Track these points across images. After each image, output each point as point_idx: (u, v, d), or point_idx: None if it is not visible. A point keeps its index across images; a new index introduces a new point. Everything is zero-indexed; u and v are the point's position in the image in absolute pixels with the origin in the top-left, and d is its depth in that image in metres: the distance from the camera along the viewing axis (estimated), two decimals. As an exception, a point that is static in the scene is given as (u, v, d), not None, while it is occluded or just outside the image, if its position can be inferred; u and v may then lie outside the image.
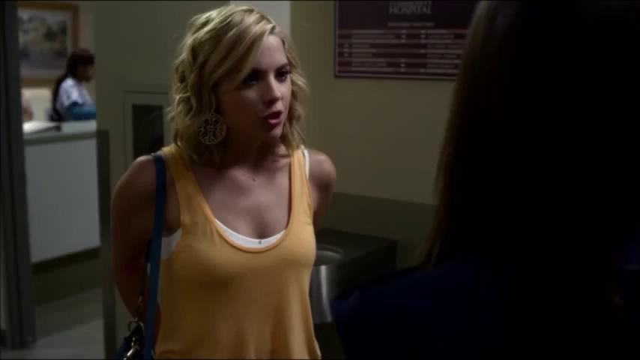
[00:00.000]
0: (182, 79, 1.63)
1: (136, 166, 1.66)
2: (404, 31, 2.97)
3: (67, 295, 5.16)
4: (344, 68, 3.14)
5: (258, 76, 1.56)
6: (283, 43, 1.60)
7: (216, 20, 1.58)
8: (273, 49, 1.57)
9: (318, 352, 1.79)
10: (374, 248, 3.01)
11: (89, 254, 4.93)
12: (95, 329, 3.98)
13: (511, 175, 0.74)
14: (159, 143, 3.11)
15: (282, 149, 1.74)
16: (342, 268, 2.79)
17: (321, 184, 1.79)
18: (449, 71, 2.85)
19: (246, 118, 1.58)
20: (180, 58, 1.64)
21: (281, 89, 1.57)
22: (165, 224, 1.63)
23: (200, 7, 2.95)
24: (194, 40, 1.60)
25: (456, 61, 2.84)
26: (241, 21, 1.55)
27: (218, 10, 1.62)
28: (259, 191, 1.69)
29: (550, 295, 0.70)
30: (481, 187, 0.76)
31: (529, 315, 0.71)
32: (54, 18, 8.59)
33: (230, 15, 1.57)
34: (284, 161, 1.74)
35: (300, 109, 1.68)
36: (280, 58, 1.58)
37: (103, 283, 3.53)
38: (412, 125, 3.02)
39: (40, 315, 4.69)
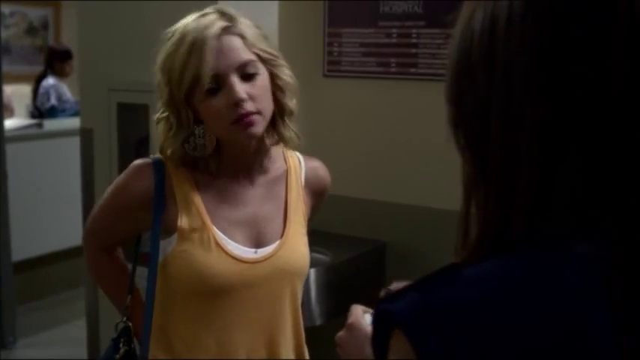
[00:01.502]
0: (160, 98, 1.61)
1: (135, 169, 1.65)
2: (395, 30, 2.95)
3: (49, 294, 5.11)
4: (333, 67, 3.11)
5: (219, 81, 1.53)
6: (244, 40, 1.55)
7: (176, 33, 1.56)
8: (229, 49, 1.53)
9: (306, 353, 1.78)
10: (363, 250, 2.99)
11: (71, 253, 4.88)
12: (78, 329, 3.94)
13: (606, 166, 0.74)
14: (144, 142, 3.08)
15: (278, 155, 1.71)
16: (331, 270, 2.77)
17: (316, 192, 1.77)
18: (440, 71, 2.83)
19: (220, 127, 1.56)
20: (156, 78, 1.62)
21: (249, 89, 1.53)
22: (163, 226, 1.61)
23: (185, 4, 2.93)
24: (162, 57, 1.59)
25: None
26: (192, 30, 1.52)
27: (184, 20, 1.60)
28: (256, 201, 1.66)
29: None
30: (561, 179, 0.75)
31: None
32: (35, 13, 8.52)
33: (184, 27, 1.55)
34: (280, 169, 1.71)
35: (290, 104, 1.63)
36: (239, 57, 1.53)
37: (86, 283, 3.49)
38: (402, 126, 3.00)
39: (21, 315, 4.64)
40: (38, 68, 7.03)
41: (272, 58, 1.59)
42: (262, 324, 1.64)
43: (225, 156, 1.63)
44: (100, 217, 1.72)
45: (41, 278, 5.11)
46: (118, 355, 1.73)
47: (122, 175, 1.67)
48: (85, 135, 3.36)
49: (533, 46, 0.74)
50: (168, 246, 1.60)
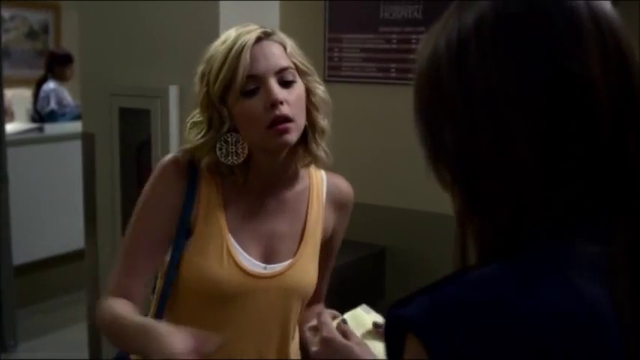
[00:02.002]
0: (199, 106, 1.61)
1: (170, 162, 1.63)
2: (394, 36, 2.97)
3: (50, 298, 5.11)
4: (334, 73, 3.13)
5: (257, 82, 1.53)
6: (284, 48, 1.57)
7: (216, 42, 1.58)
8: (269, 53, 1.54)
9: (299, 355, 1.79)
10: (363, 254, 3.01)
11: (72, 257, 4.89)
12: (79, 333, 3.94)
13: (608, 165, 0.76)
14: (146, 146, 3.09)
15: (303, 172, 1.70)
16: (331, 274, 2.77)
17: (339, 204, 1.74)
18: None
19: (255, 130, 1.55)
20: (195, 88, 1.63)
21: (286, 95, 1.53)
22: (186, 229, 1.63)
23: (187, 9, 2.95)
24: (202, 66, 1.60)
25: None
26: (234, 35, 1.55)
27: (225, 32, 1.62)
28: (275, 217, 1.66)
29: None
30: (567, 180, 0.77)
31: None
32: (36, 17, 8.52)
33: (226, 34, 1.58)
34: (304, 185, 1.70)
35: (323, 123, 1.62)
36: (278, 62, 1.54)
37: (87, 286, 3.50)
38: (402, 130, 3.00)
39: (22, 318, 4.64)
40: (38, 72, 7.03)
41: (309, 72, 1.60)
42: (261, 337, 1.65)
43: (253, 169, 1.62)
44: (136, 241, 1.63)
45: (42, 282, 5.11)
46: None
47: (157, 177, 1.63)
48: (87, 139, 3.37)
49: (513, 63, 0.76)
50: (183, 249, 1.61)
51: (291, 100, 1.53)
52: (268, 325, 1.65)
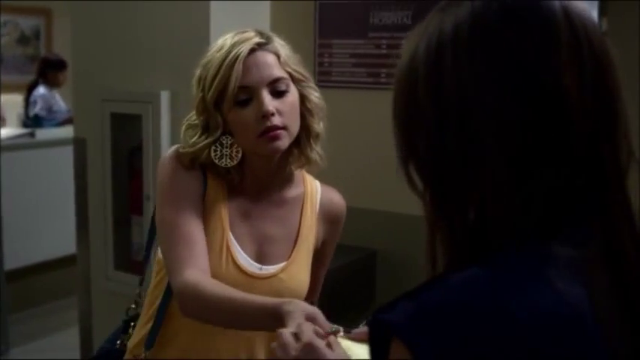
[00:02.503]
0: (196, 109, 1.63)
1: (176, 152, 1.64)
2: (384, 42, 2.99)
3: (42, 302, 5.11)
4: (324, 78, 3.14)
5: (249, 93, 1.56)
6: (278, 57, 1.58)
7: (213, 48, 1.60)
8: (263, 64, 1.56)
9: None
10: (354, 258, 3.02)
11: (64, 262, 4.88)
12: (70, 337, 3.94)
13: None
14: (137, 152, 3.10)
15: (298, 179, 1.73)
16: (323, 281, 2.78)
17: (330, 218, 1.76)
18: (429, 82, 2.86)
19: (247, 138, 1.58)
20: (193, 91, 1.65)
21: (278, 105, 1.56)
22: None
23: (178, 15, 2.96)
24: (198, 70, 1.62)
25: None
26: (229, 43, 1.57)
27: (223, 37, 1.63)
28: (269, 221, 1.68)
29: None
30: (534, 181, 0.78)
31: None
32: (27, 22, 8.51)
33: (224, 39, 1.59)
34: (298, 192, 1.72)
35: (317, 127, 1.65)
36: (271, 73, 1.56)
37: (79, 291, 3.51)
38: (392, 135, 3.02)
39: (13, 323, 4.63)
40: (30, 77, 7.01)
41: (303, 79, 1.62)
42: (254, 338, 1.66)
43: (248, 171, 1.65)
44: (185, 226, 1.57)
45: (33, 287, 5.10)
46: (126, 337, 1.77)
47: (167, 163, 1.62)
48: (78, 144, 3.38)
49: (487, 76, 0.76)
50: None
51: (283, 110, 1.56)
52: None
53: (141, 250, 2.77)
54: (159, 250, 1.69)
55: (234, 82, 1.54)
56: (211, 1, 2.89)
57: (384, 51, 3.00)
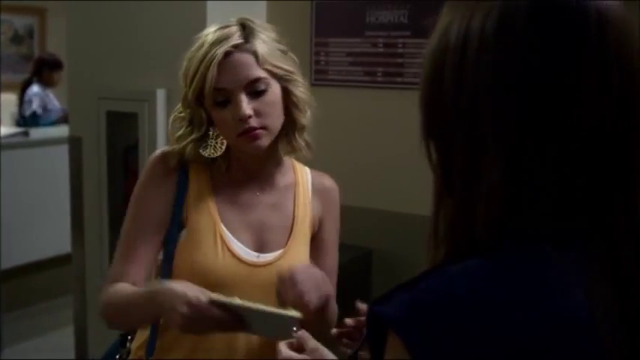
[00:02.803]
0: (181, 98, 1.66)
1: (163, 152, 1.68)
2: (381, 40, 2.99)
3: (36, 302, 5.09)
4: (320, 76, 3.14)
5: (227, 95, 1.56)
6: (257, 57, 1.57)
7: (197, 43, 1.60)
8: (239, 66, 1.55)
9: None
10: (350, 257, 3.01)
11: (58, 261, 4.87)
12: (65, 337, 3.93)
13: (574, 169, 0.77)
14: (133, 150, 3.10)
15: (288, 167, 1.74)
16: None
17: (323, 199, 1.77)
18: (425, 81, 2.86)
19: (228, 136, 1.61)
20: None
21: (257, 105, 1.56)
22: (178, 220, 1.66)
23: (174, 14, 2.95)
24: (184, 62, 1.62)
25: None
26: (209, 42, 1.56)
27: (211, 27, 1.63)
28: (264, 208, 1.70)
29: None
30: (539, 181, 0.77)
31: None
32: (21, 21, 8.49)
33: (206, 34, 1.59)
34: (290, 180, 1.74)
35: (302, 119, 1.65)
36: (247, 75, 1.56)
37: (74, 290, 3.50)
38: (389, 134, 3.03)
39: (7, 322, 4.61)
40: (23, 76, 7.01)
41: (285, 74, 1.61)
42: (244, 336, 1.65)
43: (234, 159, 1.67)
44: (131, 230, 1.66)
45: (28, 286, 5.09)
46: (124, 351, 1.77)
47: (150, 169, 1.67)
48: (74, 143, 3.37)
49: (501, 72, 0.76)
50: (178, 240, 1.65)
51: (262, 109, 1.57)
52: None
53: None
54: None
55: (209, 85, 1.54)
56: (207, 1, 2.88)
57: (381, 50, 2.99)
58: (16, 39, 8.52)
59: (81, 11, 3.27)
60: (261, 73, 1.57)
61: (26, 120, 6.48)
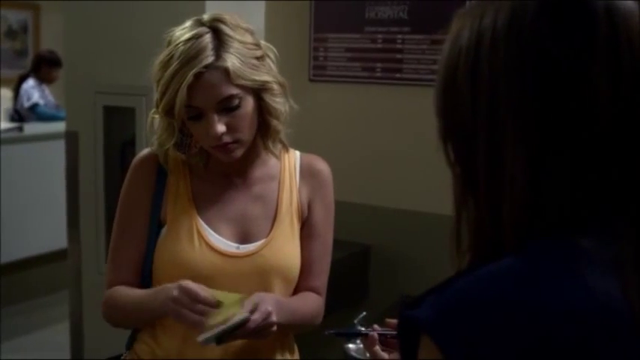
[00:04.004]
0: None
1: (141, 156, 1.71)
2: (380, 36, 2.98)
3: (32, 298, 5.07)
4: (319, 72, 3.13)
5: (198, 111, 1.55)
6: (227, 74, 1.53)
7: (169, 47, 1.56)
8: (209, 86, 1.53)
9: (297, 353, 1.81)
10: (348, 253, 3.01)
11: (55, 256, 4.85)
12: (60, 333, 3.92)
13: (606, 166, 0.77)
14: (130, 145, 3.08)
15: (271, 155, 1.72)
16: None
17: (311, 178, 1.75)
18: (425, 76, 2.86)
19: (203, 145, 1.62)
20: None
21: (229, 120, 1.55)
22: (160, 218, 1.68)
23: (173, 8, 2.94)
24: (156, 61, 1.60)
25: (433, 67, 2.85)
26: (182, 53, 1.52)
27: (183, 26, 1.60)
28: (246, 199, 1.70)
29: None
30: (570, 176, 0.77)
31: None
32: (15, 16, 8.46)
33: (177, 44, 1.54)
34: (274, 168, 1.73)
35: (279, 126, 1.64)
36: (218, 94, 1.53)
37: (70, 286, 3.48)
38: (387, 130, 3.03)
39: (2, 318, 4.60)
40: (17, 72, 6.99)
41: (259, 87, 1.59)
42: None
43: (212, 157, 1.66)
44: (117, 237, 1.72)
45: (24, 282, 5.07)
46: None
47: (129, 173, 1.72)
48: (71, 138, 3.35)
49: (516, 65, 0.76)
50: (158, 238, 1.67)
51: (234, 124, 1.56)
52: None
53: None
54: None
55: (179, 105, 1.52)
56: (206, -6, 2.87)
57: (380, 45, 2.99)
58: (10, 34, 8.48)
59: (77, 5, 3.25)
60: (233, 90, 1.54)
61: (22, 115, 6.46)
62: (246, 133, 1.59)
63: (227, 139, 1.56)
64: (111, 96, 3.11)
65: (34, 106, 6.51)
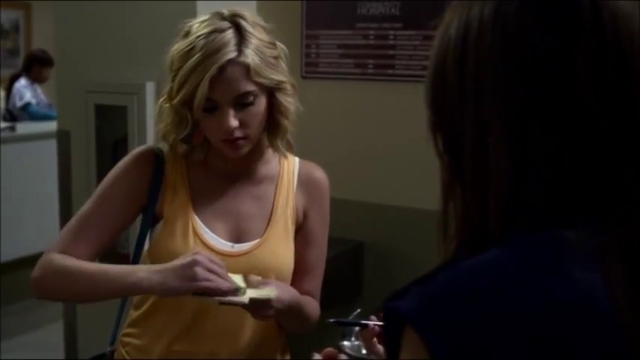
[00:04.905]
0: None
1: (140, 150, 1.72)
2: (372, 32, 2.97)
3: (23, 298, 5.05)
4: (311, 69, 3.13)
5: (215, 105, 1.57)
6: (248, 70, 1.56)
7: (189, 38, 1.57)
8: (230, 80, 1.55)
9: (288, 353, 1.82)
10: (341, 250, 3.00)
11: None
12: (53, 334, 3.91)
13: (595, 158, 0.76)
14: (122, 143, 3.07)
15: (273, 156, 1.75)
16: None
17: (309, 189, 1.77)
18: (417, 73, 2.85)
19: (211, 139, 1.63)
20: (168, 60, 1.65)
21: (242, 116, 1.58)
22: (155, 215, 1.68)
23: (164, 5, 2.93)
24: (173, 50, 1.61)
25: (425, 63, 2.84)
26: (204, 46, 1.54)
27: (203, 19, 1.61)
28: (242, 198, 1.70)
29: None
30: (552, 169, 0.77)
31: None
32: (6, 16, 8.45)
33: (199, 36, 1.56)
34: (273, 170, 1.74)
35: (287, 124, 1.67)
36: (237, 89, 1.56)
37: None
38: (380, 126, 3.02)
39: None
40: (10, 71, 6.97)
41: (275, 85, 1.62)
42: (235, 315, 1.65)
43: (213, 151, 1.68)
44: (90, 210, 1.68)
45: (16, 282, 5.05)
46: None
47: (123, 161, 1.71)
48: (62, 137, 3.34)
49: (501, 53, 0.77)
50: (153, 233, 1.69)
51: (246, 120, 1.59)
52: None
53: (126, 243, 2.75)
54: (146, 244, 1.73)
55: (200, 97, 1.54)
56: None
57: (372, 42, 2.98)
58: (2, 34, 8.48)
59: (68, 3, 3.24)
60: (251, 87, 1.57)
61: (14, 114, 6.44)
62: (256, 130, 1.62)
63: (238, 133, 1.58)
64: (102, 94, 3.10)
65: (27, 106, 6.50)
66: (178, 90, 1.57)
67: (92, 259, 1.66)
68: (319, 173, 1.80)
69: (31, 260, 5.31)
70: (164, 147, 1.70)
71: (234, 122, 1.57)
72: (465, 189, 0.80)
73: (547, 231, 0.76)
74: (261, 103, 1.60)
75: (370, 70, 3.00)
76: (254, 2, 3.09)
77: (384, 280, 2.99)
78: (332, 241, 3.08)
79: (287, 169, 1.76)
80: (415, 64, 2.88)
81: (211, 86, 1.54)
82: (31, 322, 4.77)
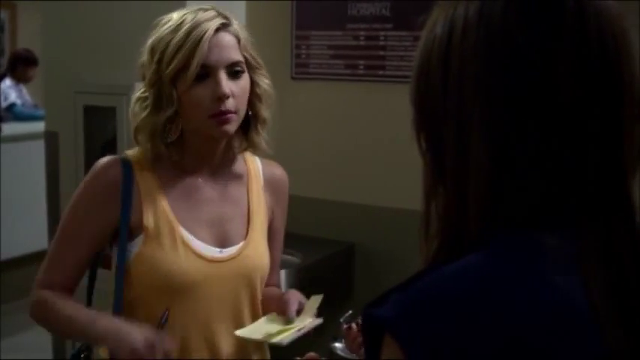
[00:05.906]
0: (143, 78, 1.64)
1: (103, 164, 1.65)
2: (362, 33, 2.97)
3: (12, 299, 5.02)
4: (301, 70, 3.12)
5: (208, 72, 1.57)
6: (238, 41, 1.61)
7: (174, 19, 1.60)
8: (224, 45, 1.59)
9: (267, 352, 1.80)
10: (332, 251, 3.01)
11: (35, 258, 4.80)
12: (41, 336, 3.86)
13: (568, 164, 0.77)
14: (111, 145, 3.05)
15: (239, 158, 1.75)
16: (300, 271, 2.78)
17: (276, 190, 1.80)
18: (408, 73, 2.83)
19: (198, 116, 1.59)
20: (142, 58, 1.65)
21: (233, 87, 1.58)
22: (129, 227, 1.62)
23: (152, 6, 2.91)
24: (153, 38, 1.62)
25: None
26: (193, 18, 1.57)
27: (179, 11, 1.64)
28: (219, 201, 1.70)
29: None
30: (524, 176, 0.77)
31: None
32: (-9, 16, 8.39)
33: (185, 13, 1.60)
34: (241, 171, 1.75)
35: (265, 113, 1.68)
36: (231, 56, 1.59)
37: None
38: (370, 128, 3.02)
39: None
40: (-5, 71, 6.94)
41: (257, 65, 1.65)
42: (227, 320, 1.66)
43: (188, 150, 1.65)
44: (65, 230, 1.66)
45: (3, 284, 5.03)
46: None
47: (89, 173, 1.66)
48: (50, 138, 3.32)
49: (484, 52, 0.77)
50: (133, 248, 1.61)
51: (236, 92, 1.59)
52: (236, 307, 1.68)
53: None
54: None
55: (197, 61, 1.54)
56: (187, -8, 2.85)
57: (362, 43, 2.98)
58: (-13, 33, 8.42)
59: (56, 4, 3.22)
60: (241, 57, 1.61)
61: (4, 113, 6.40)
62: (243, 106, 1.62)
63: (230, 105, 1.57)
64: (91, 95, 3.09)
65: (11, 106, 6.46)
66: (169, 62, 1.55)
67: (82, 274, 1.68)
68: (281, 171, 1.83)
69: (19, 261, 5.28)
70: (131, 154, 1.66)
71: (227, 87, 1.56)
72: (447, 188, 0.81)
73: (526, 233, 0.76)
74: (247, 79, 1.62)
75: (361, 71, 3.00)
76: (243, 2, 3.09)
77: (375, 280, 2.98)
78: (323, 243, 3.10)
79: (253, 167, 1.77)
80: (406, 65, 2.88)
81: (209, 49, 1.55)
82: (19, 324, 4.72)
